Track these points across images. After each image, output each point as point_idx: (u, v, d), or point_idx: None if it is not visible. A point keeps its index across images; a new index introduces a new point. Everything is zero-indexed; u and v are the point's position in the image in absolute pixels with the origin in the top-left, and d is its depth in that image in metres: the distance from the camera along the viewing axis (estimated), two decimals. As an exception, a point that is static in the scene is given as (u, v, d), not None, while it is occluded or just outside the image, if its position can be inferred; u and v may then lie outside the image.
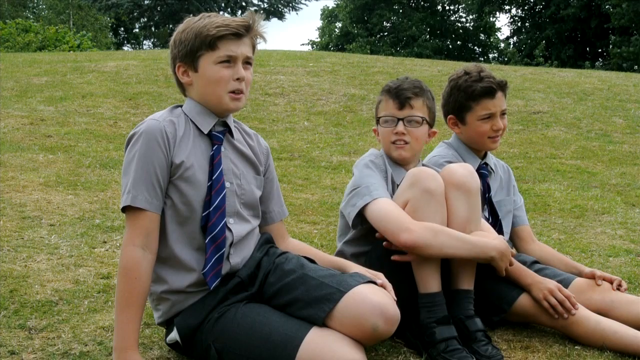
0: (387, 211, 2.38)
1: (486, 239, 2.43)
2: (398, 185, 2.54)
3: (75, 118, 7.41)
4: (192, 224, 2.19)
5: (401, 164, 2.63)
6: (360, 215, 2.48)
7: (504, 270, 2.48)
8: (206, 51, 2.19)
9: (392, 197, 2.50)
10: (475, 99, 2.81)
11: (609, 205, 5.07)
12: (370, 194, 2.44)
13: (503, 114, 2.85)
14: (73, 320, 2.55)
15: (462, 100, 2.83)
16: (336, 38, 39.08)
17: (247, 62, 2.24)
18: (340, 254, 2.60)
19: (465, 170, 2.48)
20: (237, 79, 2.21)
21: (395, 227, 2.34)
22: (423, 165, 2.69)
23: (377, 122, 2.67)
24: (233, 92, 2.22)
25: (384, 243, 2.39)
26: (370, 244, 2.53)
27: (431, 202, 2.38)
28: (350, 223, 2.52)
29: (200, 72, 2.22)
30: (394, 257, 2.38)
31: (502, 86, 2.84)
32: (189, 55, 2.21)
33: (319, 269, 2.21)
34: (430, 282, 2.39)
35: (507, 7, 34.72)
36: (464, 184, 2.44)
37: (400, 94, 2.59)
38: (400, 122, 2.58)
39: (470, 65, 2.93)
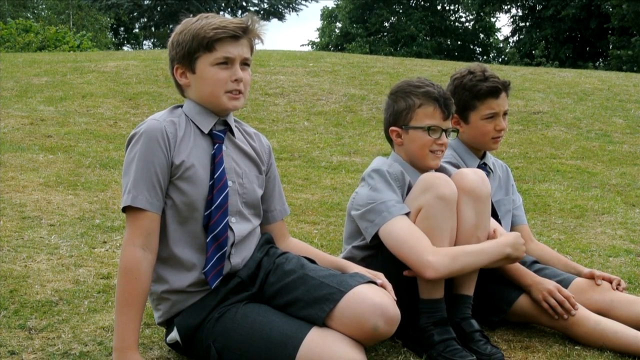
0: (402, 237, 2.35)
1: (496, 241, 2.44)
2: None
3: (75, 118, 7.41)
4: (193, 224, 2.19)
5: (425, 171, 2.57)
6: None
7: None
8: (203, 53, 2.18)
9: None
10: (480, 98, 2.82)
11: (609, 205, 5.07)
12: (389, 211, 2.40)
13: (505, 114, 2.87)
14: (73, 320, 2.55)
15: (467, 99, 2.83)
16: (336, 38, 39.08)
17: (244, 63, 2.24)
18: (349, 258, 2.53)
19: (476, 176, 2.46)
20: (235, 80, 2.21)
21: (414, 260, 2.32)
22: None
23: (407, 126, 2.55)
24: (231, 92, 2.22)
25: (405, 272, 2.37)
26: (378, 247, 2.52)
27: (445, 210, 2.37)
28: (368, 239, 2.48)
29: (198, 73, 2.22)
30: (405, 273, 2.37)
31: (506, 87, 2.86)
32: (187, 57, 2.21)
33: (319, 269, 2.21)
34: (433, 289, 2.39)
35: (507, 7, 34.71)
36: (473, 189, 2.43)
37: (448, 105, 2.54)
38: (444, 133, 2.54)
39: (473, 65, 2.93)
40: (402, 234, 2.36)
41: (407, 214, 2.41)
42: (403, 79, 2.68)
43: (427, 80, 2.59)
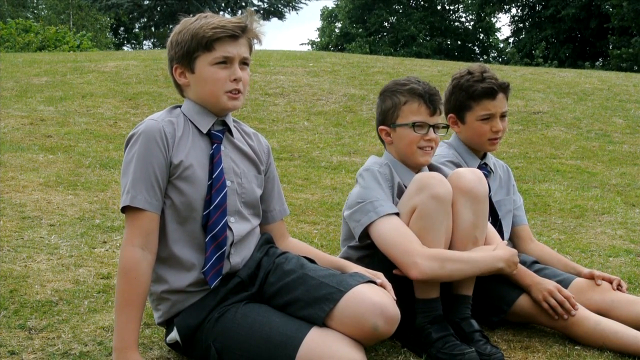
0: (392, 237, 2.36)
1: (490, 253, 2.42)
2: None
3: (75, 118, 7.41)
4: (192, 224, 2.19)
5: (417, 168, 2.58)
6: (366, 230, 2.46)
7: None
8: (202, 52, 2.19)
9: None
10: (475, 99, 2.81)
11: (609, 205, 5.07)
12: (375, 211, 2.41)
13: (503, 115, 2.85)
14: (73, 320, 2.55)
15: (462, 100, 2.83)
16: (336, 38, 39.09)
17: (243, 62, 2.24)
18: (346, 259, 2.53)
19: (474, 176, 2.46)
20: (234, 79, 2.21)
21: (402, 260, 2.33)
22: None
23: (394, 124, 2.56)
24: (230, 92, 2.22)
25: (394, 271, 2.37)
26: (375, 247, 2.52)
27: (439, 209, 2.37)
28: (356, 239, 2.51)
29: (197, 73, 2.22)
30: (395, 272, 2.38)
31: (504, 88, 2.84)
32: (186, 57, 2.21)
33: (319, 269, 2.22)
34: (429, 289, 2.39)
35: (507, 7, 34.72)
36: (471, 189, 2.43)
37: (434, 100, 2.54)
38: (431, 129, 2.54)
39: (474, 65, 2.92)
40: (392, 234, 2.37)
41: (397, 214, 2.41)
42: (393, 79, 2.69)
43: (415, 78, 2.60)
